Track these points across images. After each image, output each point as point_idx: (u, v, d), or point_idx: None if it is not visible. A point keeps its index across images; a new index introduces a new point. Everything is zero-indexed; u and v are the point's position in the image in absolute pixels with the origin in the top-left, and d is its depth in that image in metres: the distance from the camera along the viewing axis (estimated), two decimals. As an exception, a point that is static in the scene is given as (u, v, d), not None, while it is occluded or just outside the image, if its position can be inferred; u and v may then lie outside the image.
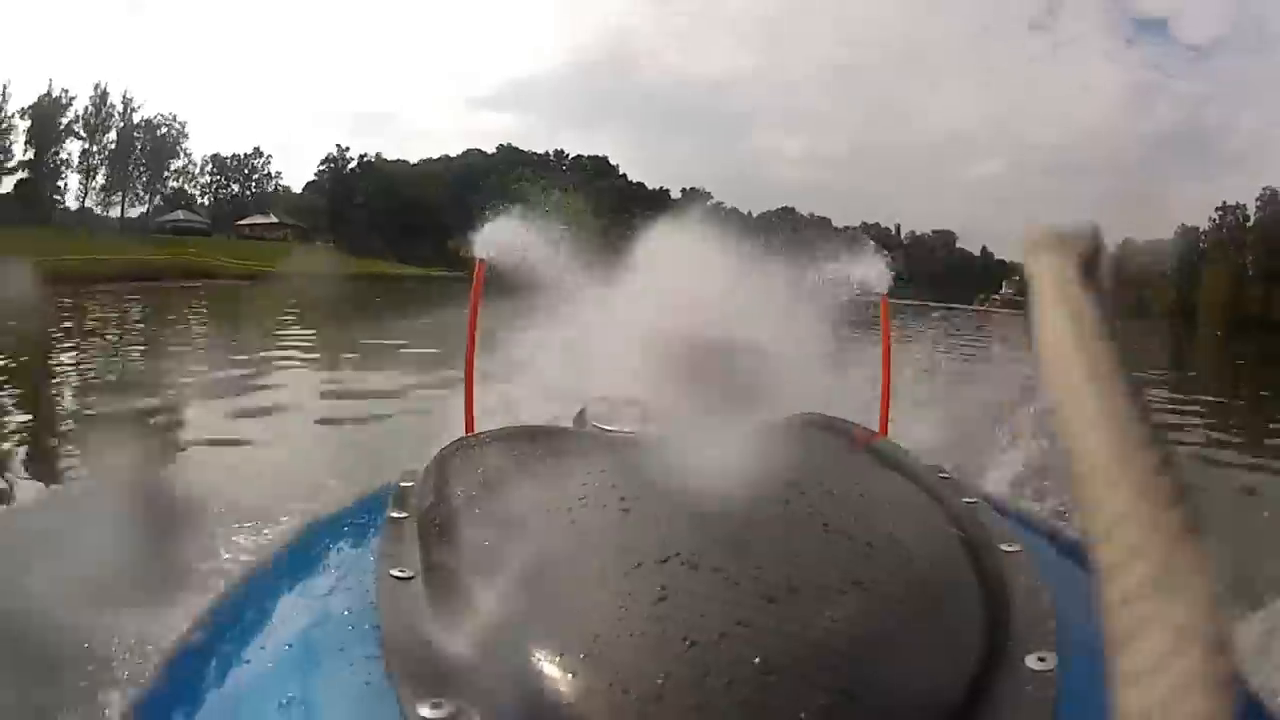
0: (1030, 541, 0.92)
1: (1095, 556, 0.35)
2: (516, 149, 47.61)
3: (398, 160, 46.00)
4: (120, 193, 37.62)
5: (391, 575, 0.81)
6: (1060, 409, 0.41)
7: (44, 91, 36.35)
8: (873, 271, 2.39)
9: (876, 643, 0.67)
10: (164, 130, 39.95)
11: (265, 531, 2.61)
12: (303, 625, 0.81)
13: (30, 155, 35.31)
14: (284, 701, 0.68)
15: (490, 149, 47.81)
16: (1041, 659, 0.70)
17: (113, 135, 37.67)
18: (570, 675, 0.63)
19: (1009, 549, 0.89)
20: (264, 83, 72.38)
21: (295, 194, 42.70)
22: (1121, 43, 72.35)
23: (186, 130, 41.27)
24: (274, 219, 40.60)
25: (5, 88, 34.89)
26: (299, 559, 1.01)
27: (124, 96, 38.20)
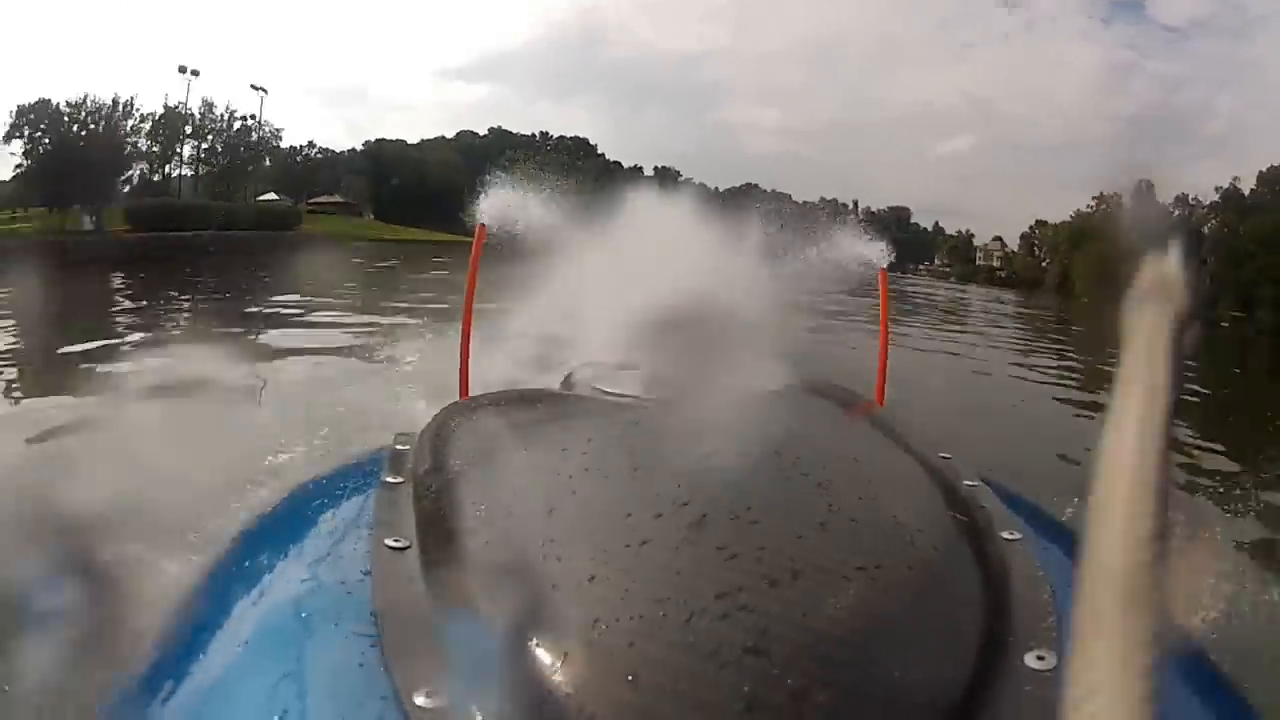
0: (1031, 529, 0.90)
1: (1079, 590, 0.41)
2: (506, 131, 52.14)
3: (397, 140, 50.82)
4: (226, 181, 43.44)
5: (386, 545, 0.79)
6: (1104, 462, 0.45)
7: (169, 104, 42.01)
8: (872, 246, 2.50)
9: (871, 637, 0.66)
10: (263, 134, 46.38)
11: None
12: (296, 600, 0.77)
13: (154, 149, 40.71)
14: (275, 684, 0.66)
15: (482, 130, 52.46)
16: (1041, 657, 0.68)
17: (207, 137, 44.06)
18: (572, 659, 0.62)
19: (1010, 537, 0.86)
20: (238, 56, 74.52)
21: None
22: (1097, 21, 72.46)
23: (280, 135, 47.44)
24: (337, 198, 46.96)
25: (134, 99, 39.98)
26: (293, 525, 0.97)
27: (227, 107, 44.43)
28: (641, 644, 0.62)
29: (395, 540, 0.80)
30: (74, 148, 34.00)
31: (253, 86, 45.51)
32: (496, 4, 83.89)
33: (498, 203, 2.16)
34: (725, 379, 1.20)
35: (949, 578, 0.78)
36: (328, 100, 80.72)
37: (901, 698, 0.63)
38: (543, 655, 0.63)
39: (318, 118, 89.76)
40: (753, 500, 0.79)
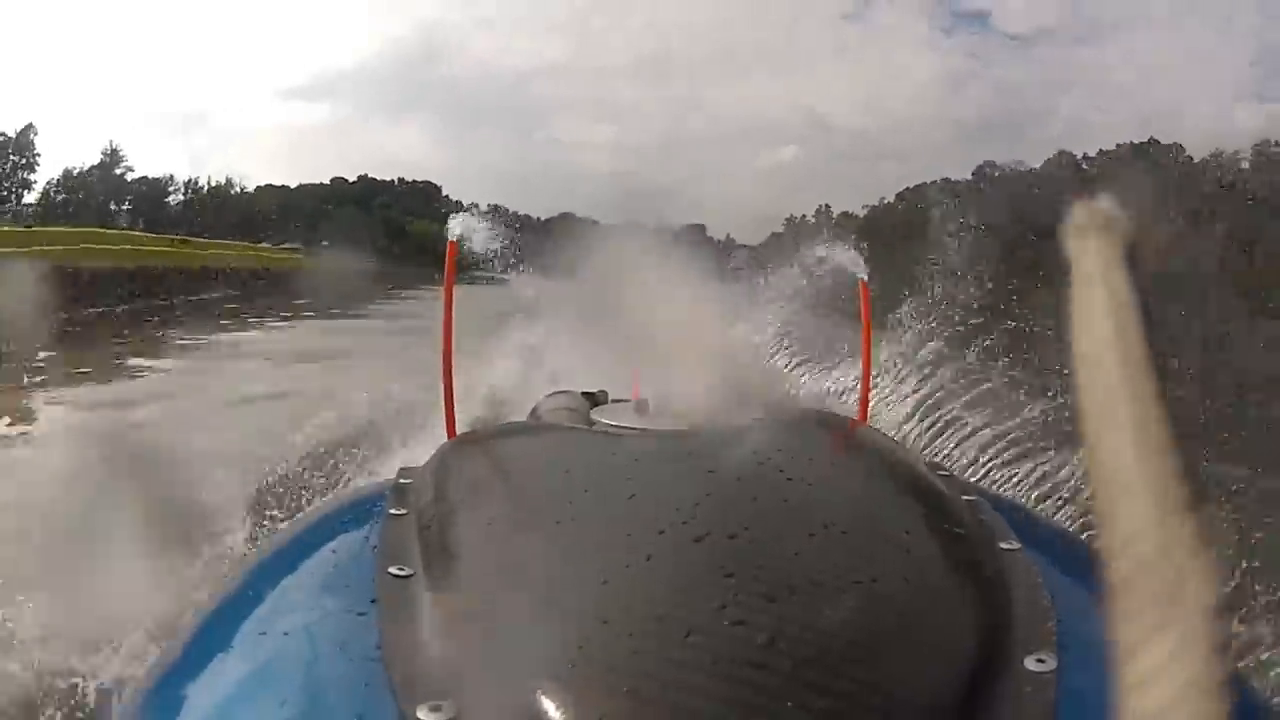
0: (1029, 540, 0.91)
1: (1105, 562, 0.37)
2: (372, 178, 62.84)
3: (282, 185, 60.66)
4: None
5: (390, 573, 0.81)
6: (1087, 402, 0.42)
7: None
8: (850, 256, 2.54)
9: (871, 643, 0.67)
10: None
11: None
12: (299, 624, 0.79)
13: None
14: (280, 702, 0.68)
15: (351, 177, 62.58)
16: (1041, 660, 0.70)
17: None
18: (573, 678, 0.63)
19: (1008, 547, 0.88)
20: (70, 83, 73.77)
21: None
22: (939, 32, 73.32)
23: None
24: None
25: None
26: (295, 555, 1.00)
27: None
28: (644, 664, 0.63)
29: (399, 569, 0.81)
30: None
31: None
32: (338, 18, 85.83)
33: (466, 225, 2.17)
34: (717, 407, 1.24)
35: (949, 586, 0.79)
36: (170, 128, 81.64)
37: (903, 700, 0.64)
38: (544, 675, 0.63)
39: (161, 148, 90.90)
40: (755, 521, 0.81)
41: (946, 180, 52.46)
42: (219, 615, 0.90)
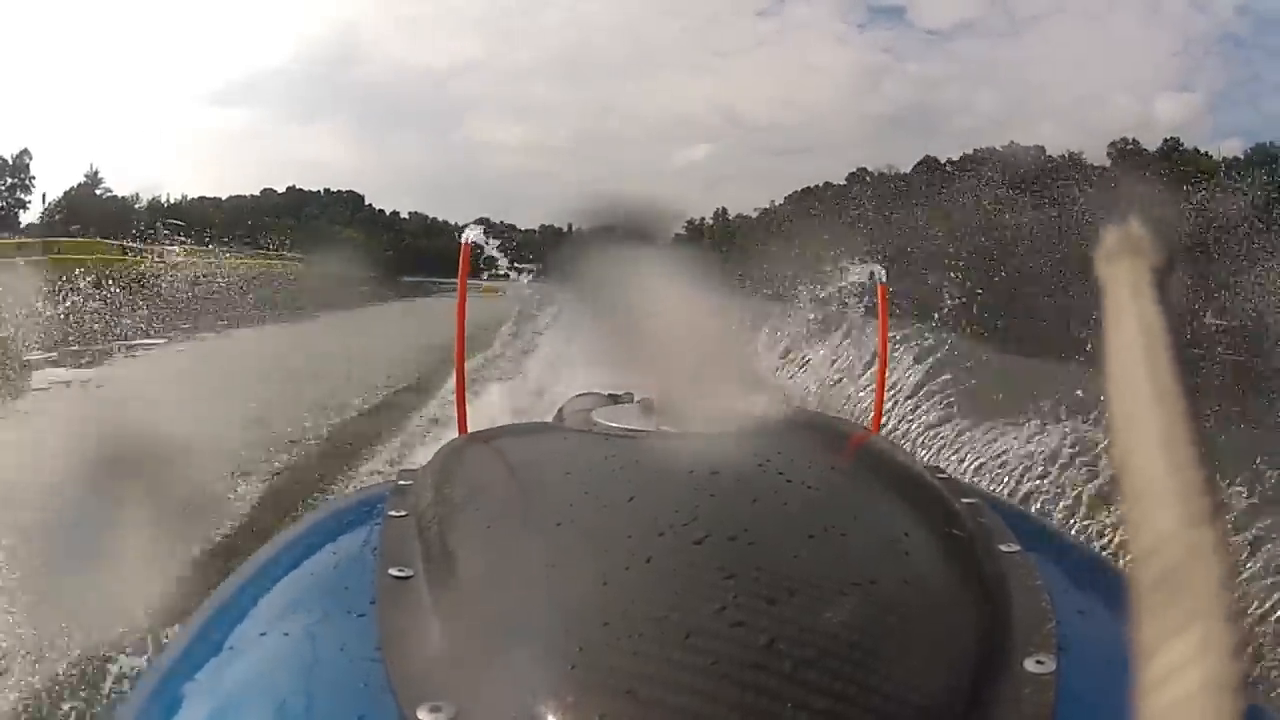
0: (1029, 543, 0.91)
1: (1130, 568, 0.38)
2: (300, 189, 65.77)
3: (214, 196, 62.44)
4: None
5: (390, 574, 0.81)
6: (1118, 421, 0.43)
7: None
8: (868, 265, 2.54)
9: (871, 645, 0.67)
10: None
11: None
12: (299, 625, 0.79)
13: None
14: (280, 703, 0.68)
15: (281, 189, 65.30)
16: (1040, 662, 0.70)
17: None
18: (573, 679, 0.63)
19: (1007, 549, 0.88)
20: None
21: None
22: (853, 28, 75.49)
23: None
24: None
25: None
26: (294, 556, 1.00)
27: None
28: (643, 666, 0.63)
29: (399, 570, 0.81)
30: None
31: None
32: (255, 21, 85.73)
33: (475, 231, 2.27)
34: (722, 411, 1.23)
35: (949, 588, 0.79)
36: (98, 139, 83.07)
37: (904, 702, 0.63)
38: (544, 677, 0.63)
39: (83, 158, 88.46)
40: (754, 523, 0.81)
41: (828, 184, 58.77)
42: (219, 616, 0.88)
